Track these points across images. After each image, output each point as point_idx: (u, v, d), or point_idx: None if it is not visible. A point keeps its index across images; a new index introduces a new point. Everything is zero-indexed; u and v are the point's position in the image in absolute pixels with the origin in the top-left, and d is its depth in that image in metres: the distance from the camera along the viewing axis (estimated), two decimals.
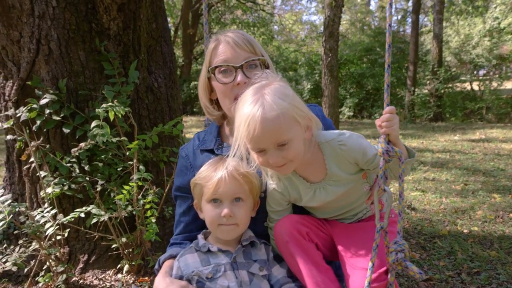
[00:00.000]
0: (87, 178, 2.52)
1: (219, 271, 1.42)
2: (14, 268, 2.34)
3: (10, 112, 2.52)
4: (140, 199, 2.42)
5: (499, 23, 16.00)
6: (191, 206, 1.60)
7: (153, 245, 2.69)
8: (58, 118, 2.50)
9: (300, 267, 1.40)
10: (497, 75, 16.82)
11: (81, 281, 2.57)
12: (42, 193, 2.47)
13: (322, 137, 1.43)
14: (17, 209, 2.37)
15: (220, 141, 1.66)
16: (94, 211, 2.32)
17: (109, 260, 2.70)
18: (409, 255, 1.30)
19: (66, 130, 2.53)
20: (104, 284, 2.55)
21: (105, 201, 2.55)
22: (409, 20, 21.18)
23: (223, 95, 1.55)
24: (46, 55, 2.52)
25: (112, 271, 2.67)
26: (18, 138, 2.57)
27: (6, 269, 2.36)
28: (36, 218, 2.33)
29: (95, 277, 2.62)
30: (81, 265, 2.67)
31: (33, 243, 2.41)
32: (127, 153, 2.49)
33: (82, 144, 2.37)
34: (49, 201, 2.44)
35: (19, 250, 2.51)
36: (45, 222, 2.31)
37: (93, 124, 2.27)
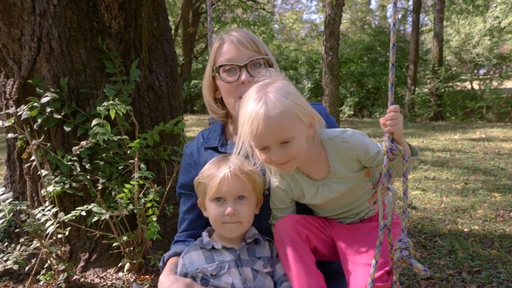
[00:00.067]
0: (88, 177, 2.52)
1: (224, 268, 1.43)
2: (15, 267, 2.34)
3: (11, 110, 2.52)
4: (141, 198, 2.43)
5: (499, 22, 16.00)
6: (195, 204, 1.61)
7: (154, 244, 2.69)
8: (59, 117, 2.50)
9: (290, 268, 1.41)
10: (497, 74, 16.85)
11: (82, 280, 2.57)
12: (43, 192, 2.47)
13: (325, 134, 1.44)
14: (18, 208, 2.37)
15: (224, 139, 1.67)
16: (95, 209, 2.32)
17: (110, 259, 2.70)
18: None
19: (67, 129, 2.53)
20: (105, 283, 2.55)
21: (106, 199, 2.55)
22: (410, 19, 21.19)
23: (228, 94, 1.56)
24: (47, 53, 2.52)
25: (113, 269, 2.67)
26: (19, 137, 2.56)
27: (7, 267, 2.36)
28: (37, 217, 2.32)
29: (96, 276, 2.62)
30: (82, 264, 2.67)
31: (34, 242, 2.41)
32: (128, 152, 2.49)
33: (83, 143, 2.37)
34: (50, 200, 2.44)
35: (20, 249, 2.52)
36: (46, 221, 2.31)
37: (94, 122, 2.27)
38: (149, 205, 2.40)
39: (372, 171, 1.50)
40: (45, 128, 2.55)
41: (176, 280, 1.44)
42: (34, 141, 2.45)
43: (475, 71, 17.47)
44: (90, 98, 2.60)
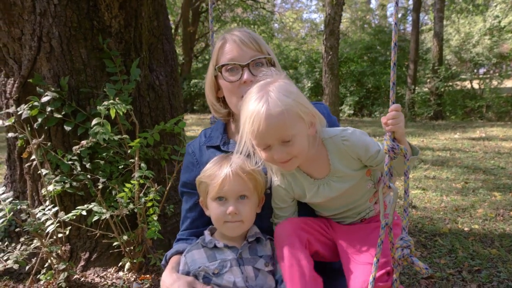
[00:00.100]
0: (89, 176, 2.52)
1: (225, 267, 1.44)
2: (16, 266, 2.34)
3: (12, 109, 2.52)
4: (141, 197, 2.43)
5: (499, 22, 16.00)
6: (197, 202, 1.62)
7: (155, 243, 2.69)
8: (59, 116, 2.50)
9: (285, 271, 1.42)
10: (497, 74, 16.84)
11: (82, 279, 2.57)
12: (43, 191, 2.47)
13: (326, 133, 1.45)
14: (18, 207, 2.37)
15: (227, 138, 1.68)
16: (95, 209, 2.32)
17: (111, 258, 2.70)
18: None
19: (67, 128, 2.53)
20: (105, 282, 2.55)
21: (106, 199, 2.55)
22: (410, 18, 21.18)
23: (230, 93, 1.57)
24: (48, 53, 2.52)
25: (113, 269, 2.67)
26: (20, 136, 2.56)
27: (8, 267, 2.36)
28: (37, 216, 2.32)
29: (96, 275, 2.62)
30: (82, 263, 2.67)
31: (35, 241, 2.41)
32: (129, 151, 2.49)
33: (84, 142, 2.37)
34: (51, 199, 2.44)
35: (20, 248, 2.52)
36: (46, 220, 2.31)
37: (94, 121, 2.27)
38: (149, 204, 2.40)
39: (373, 170, 1.50)
40: (46, 127, 2.55)
41: (178, 279, 1.45)
42: (34, 141, 2.45)
43: (475, 70, 17.47)
44: (91, 98, 2.60)
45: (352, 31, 29.57)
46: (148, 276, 2.60)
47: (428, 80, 15.86)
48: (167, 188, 2.61)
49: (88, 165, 2.54)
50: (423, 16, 23.77)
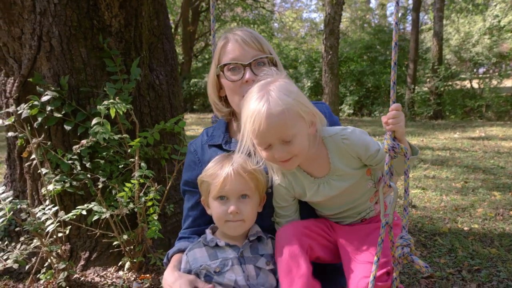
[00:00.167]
0: (89, 175, 2.52)
1: (227, 265, 1.45)
2: (16, 265, 2.34)
3: (11, 109, 2.52)
4: (141, 197, 2.43)
5: (499, 21, 16.00)
6: (199, 201, 1.62)
7: (155, 242, 2.69)
8: (59, 115, 2.50)
9: (281, 275, 1.43)
10: (496, 73, 16.83)
11: (82, 278, 2.57)
12: (43, 190, 2.47)
13: (326, 132, 1.46)
14: (18, 206, 2.37)
15: (228, 137, 1.68)
16: (95, 208, 2.32)
17: (111, 258, 2.70)
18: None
19: (67, 127, 2.52)
20: (105, 281, 2.55)
21: (106, 198, 2.55)
22: (409, 18, 21.18)
23: (232, 92, 1.58)
24: (48, 52, 2.52)
25: (113, 268, 2.68)
26: (19, 135, 2.56)
27: (8, 266, 2.36)
28: (37, 215, 2.32)
29: (96, 274, 2.62)
30: (82, 262, 2.67)
31: (34, 240, 2.41)
32: (129, 151, 2.49)
33: (84, 141, 2.36)
34: (50, 198, 2.44)
35: (20, 247, 2.51)
36: (46, 219, 2.31)
37: (94, 121, 2.27)
38: (149, 204, 2.40)
39: (374, 170, 1.50)
40: (46, 126, 2.55)
41: (180, 277, 1.46)
42: (34, 140, 2.45)
43: (475, 70, 17.47)
44: (91, 97, 2.60)
45: (352, 30, 29.57)
46: (148, 275, 2.60)
47: (428, 80, 15.86)
48: (167, 188, 2.61)
49: (88, 165, 2.54)
50: (423, 15, 23.78)
